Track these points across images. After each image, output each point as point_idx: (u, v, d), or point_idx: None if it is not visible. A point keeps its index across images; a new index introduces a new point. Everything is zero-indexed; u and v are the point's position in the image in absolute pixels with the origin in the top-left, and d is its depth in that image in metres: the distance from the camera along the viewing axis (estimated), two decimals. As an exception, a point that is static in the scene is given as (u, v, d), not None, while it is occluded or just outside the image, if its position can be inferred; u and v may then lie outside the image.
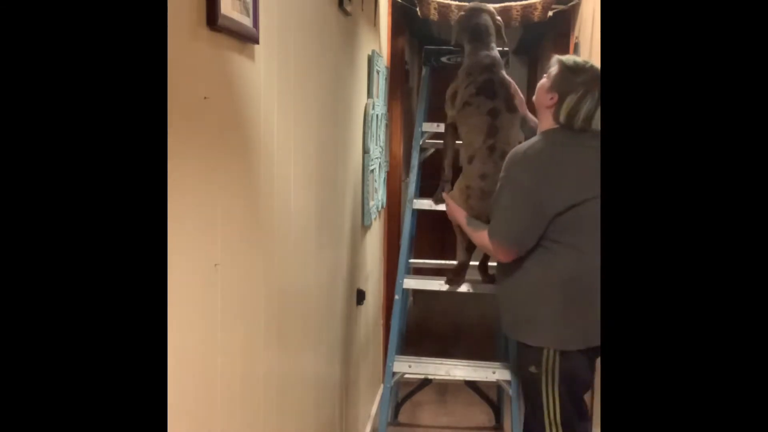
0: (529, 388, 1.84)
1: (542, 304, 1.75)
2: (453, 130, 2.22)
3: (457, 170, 2.29)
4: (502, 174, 1.75)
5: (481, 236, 1.86)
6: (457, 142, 2.27)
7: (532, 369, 1.79)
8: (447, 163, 2.31)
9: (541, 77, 1.84)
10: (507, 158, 1.76)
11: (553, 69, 1.75)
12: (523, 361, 1.84)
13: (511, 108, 2.04)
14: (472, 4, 2.25)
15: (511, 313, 1.85)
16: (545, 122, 1.76)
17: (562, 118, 1.71)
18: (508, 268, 1.82)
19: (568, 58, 1.77)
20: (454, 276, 2.25)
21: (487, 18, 2.19)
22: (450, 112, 2.18)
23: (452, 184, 2.27)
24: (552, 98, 1.72)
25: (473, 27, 2.16)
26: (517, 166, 1.71)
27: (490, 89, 2.03)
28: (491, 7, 2.26)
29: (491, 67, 2.07)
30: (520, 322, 1.81)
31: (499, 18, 2.24)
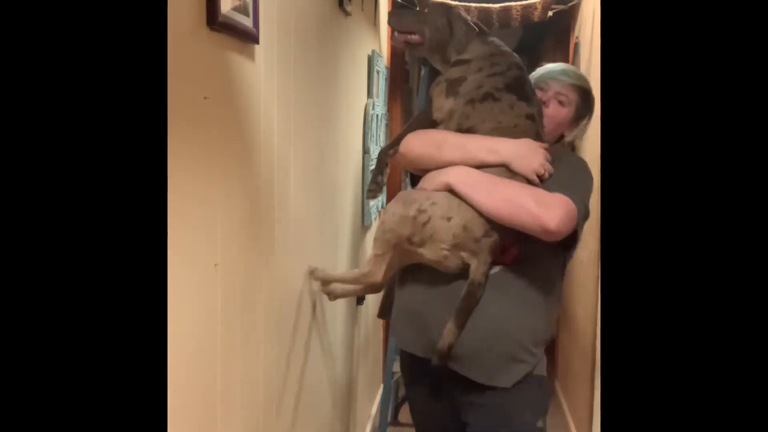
0: None
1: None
2: (429, 125, 1.49)
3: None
4: (570, 163, 1.43)
5: (536, 193, 1.30)
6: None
7: (540, 424, 1.49)
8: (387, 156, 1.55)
9: None
10: (574, 155, 1.51)
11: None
12: (521, 415, 1.41)
13: (542, 134, 1.45)
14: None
15: (527, 339, 1.39)
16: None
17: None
18: (528, 277, 1.39)
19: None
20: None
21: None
22: (446, 103, 1.45)
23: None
24: None
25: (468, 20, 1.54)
26: (587, 168, 1.45)
27: (523, 90, 1.43)
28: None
29: (521, 65, 1.48)
30: (534, 350, 1.40)
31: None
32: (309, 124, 1.58)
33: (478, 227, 1.32)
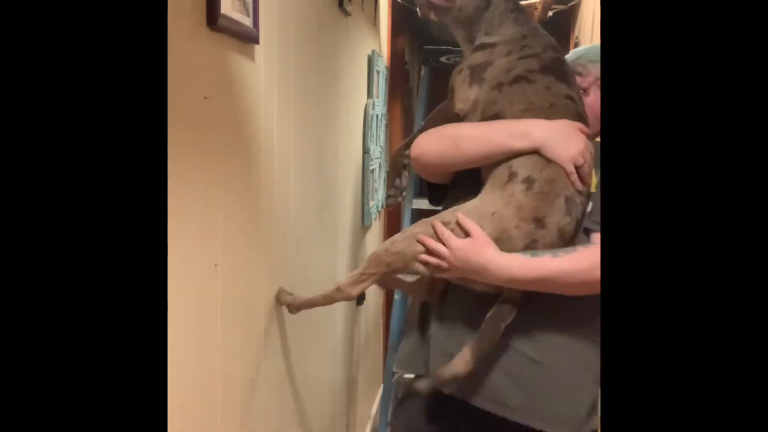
0: None
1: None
2: (452, 120, 1.26)
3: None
4: None
5: (583, 259, 1.08)
6: None
7: None
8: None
9: None
10: None
11: None
12: None
13: (584, 115, 1.22)
14: None
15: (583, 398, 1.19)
16: None
17: None
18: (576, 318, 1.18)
19: None
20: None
21: None
22: (470, 93, 1.23)
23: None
24: None
25: None
26: None
27: (562, 71, 1.21)
28: None
29: (558, 47, 1.26)
30: (592, 387, 1.20)
31: None
32: (309, 124, 1.58)
33: (516, 239, 1.13)
